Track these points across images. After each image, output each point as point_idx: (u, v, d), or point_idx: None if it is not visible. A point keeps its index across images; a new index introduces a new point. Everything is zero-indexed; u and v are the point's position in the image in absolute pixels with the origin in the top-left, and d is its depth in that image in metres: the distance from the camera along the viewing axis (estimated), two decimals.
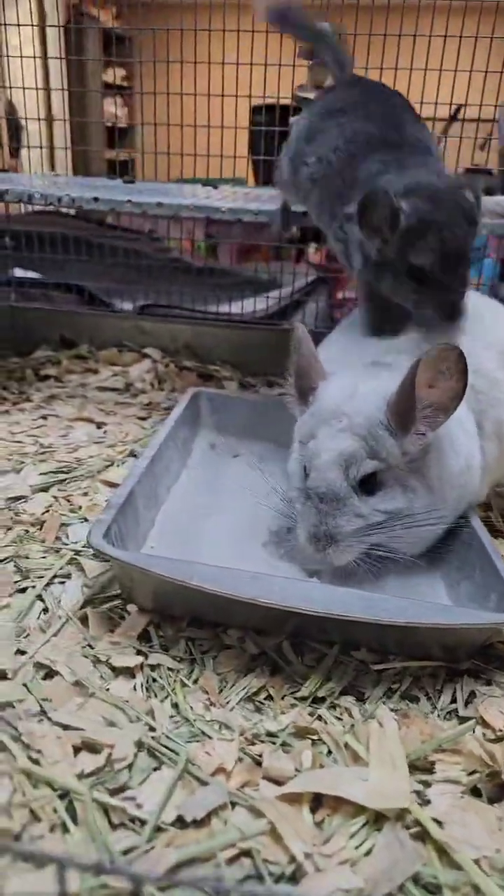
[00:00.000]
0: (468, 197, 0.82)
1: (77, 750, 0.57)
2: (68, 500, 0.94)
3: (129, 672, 0.65)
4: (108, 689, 0.63)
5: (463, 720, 0.63)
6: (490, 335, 0.90)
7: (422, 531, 0.76)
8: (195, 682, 0.65)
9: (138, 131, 1.84)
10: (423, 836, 0.52)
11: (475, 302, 0.90)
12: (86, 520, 0.90)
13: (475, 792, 0.56)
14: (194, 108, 1.53)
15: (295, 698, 0.64)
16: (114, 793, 0.54)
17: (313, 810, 0.54)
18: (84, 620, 0.72)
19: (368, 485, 0.74)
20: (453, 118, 2.24)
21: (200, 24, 1.41)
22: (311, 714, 0.62)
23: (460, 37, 1.34)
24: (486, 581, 0.73)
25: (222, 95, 1.50)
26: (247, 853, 0.50)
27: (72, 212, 2.05)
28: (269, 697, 0.64)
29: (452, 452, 0.78)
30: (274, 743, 0.59)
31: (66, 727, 0.59)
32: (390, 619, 0.63)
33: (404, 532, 0.74)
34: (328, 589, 0.70)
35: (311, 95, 1.11)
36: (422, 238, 0.80)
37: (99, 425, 1.24)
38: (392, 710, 0.63)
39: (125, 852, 0.49)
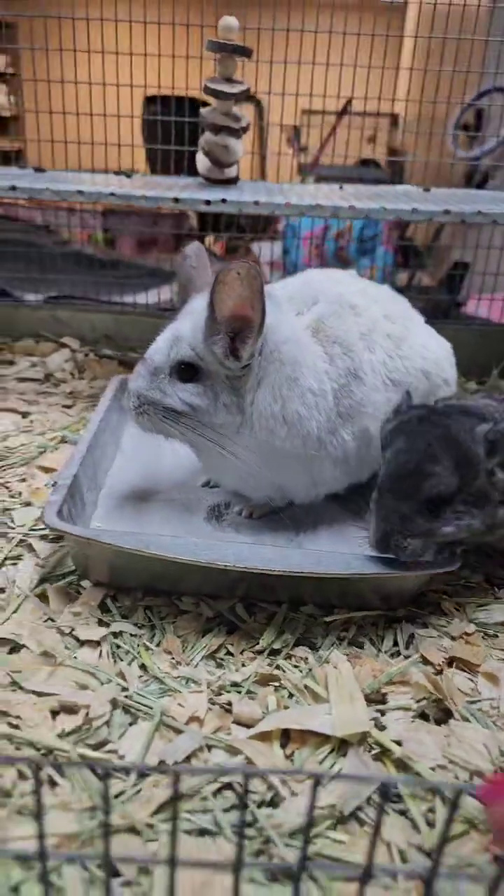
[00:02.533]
0: None
1: (55, 713, 0.59)
2: (6, 487, 0.94)
3: (94, 641, 0.68)
4: (75, 658, 0.65)
5: (406, 658, 0.70)
6: (365, 316, 0.89)
7: (240, 467, 0.82)
8: (158, 644, 0.69)
9: (27, 120, 1.81)
10: (382, 756, 0.58)
11: (362, 289, 0.93)
12: (29, 504, 0.90)
13: (423, 717, 0.63)
14: (89, 96, 1.53)
15: (253, 652, 0.69)
16: (95, 748, 0.57)
17: (283, 745, 0.59)
18: (42, 597, 0.73)
19: (185, 373, 0.80)
20: (343, 112, 2.34)
21: (87, 12, 1.41)
22: (269, 665, 0.67)
23: (344, 33, 1.42)
24: None
25: (116, 85, 1.50)
26: (228, 786, 0.54)
27: None
28: (230, 654, 0.69)
29: (278, 399, 0.79)
30: (240, 692, 0.64)
31: (40, 694, 0.61)
32: (340, 573, 0.69)
33: (193, 436, 0.82)
34: (279, 551, 0.75)
35: (224, 88, 1.15)
36: None
37: (24, 415, 1.23)
38: (343, 654, 0.69)
39: (116, 796, 0.52)
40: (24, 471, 0.99)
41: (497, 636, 0.74)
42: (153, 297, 1.82)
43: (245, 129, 1.21)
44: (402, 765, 0.57)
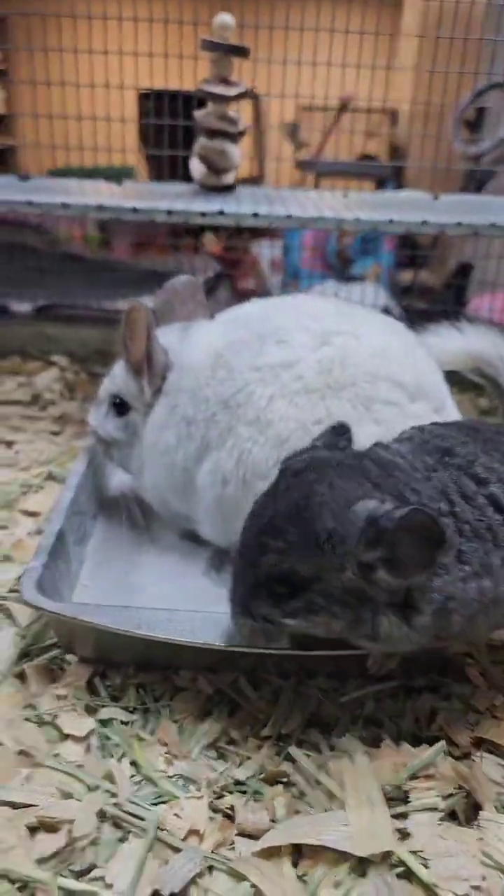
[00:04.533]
0: None
1: (33, 830, 0.52)
2: None
3: (79, 732, 0.60)
4: (57, 755, 0.58)
5: (430, 740, 0.62)
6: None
7: (148, 485, 0.84)
8: (152, 733, 0.61)
9: (18, 118, 1.74)
10: (409, 874, 0.51)
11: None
12: (8, 558, 0.83)
13: (452, 815, 0.56)
14: (79, 96, 1.45)
15: (259, 738, 0.61)
16: (80, 874, 0.49)
17: (294, 862, 0.51)
18: (22, 676, 0.66)
19: (119, 408, 0.85)
20: (343, 109, 2.26)
21: (80, 10, 1.34)
22: (278, 754, 0.60)
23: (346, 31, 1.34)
24: None
25: (107, 87, 1.43)
26: None
27: None
28: (232, 741, 0.61)
29: (155, 430, 0.81)
30: (244, 792, 0.56)
31: (16, 806, 0.53)
32: (355, 651, 0.61)
33: (119, 458, 0.87)
34: None
35: (219, 90, 1.06)
36: None
37: (9, 444, 1.15)
38: (359, 738, 0.62)
39: None
40: (6, 516, 0.92)
41: None
42: (150, 302, 1.73)
43: (242, 134, 1.12)
44: (431, 892, 0.49)
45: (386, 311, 1.71)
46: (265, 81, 1.39)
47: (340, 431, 0.61)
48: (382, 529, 0.49)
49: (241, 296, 1.99)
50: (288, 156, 2.48)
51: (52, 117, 1.46)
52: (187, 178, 1.29)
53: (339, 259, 2.26)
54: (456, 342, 0.86)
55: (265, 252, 2.34)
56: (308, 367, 0.75)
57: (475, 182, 2.05)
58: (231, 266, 2.08)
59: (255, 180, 2.41)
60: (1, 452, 1.12)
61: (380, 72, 1.43)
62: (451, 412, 0.80)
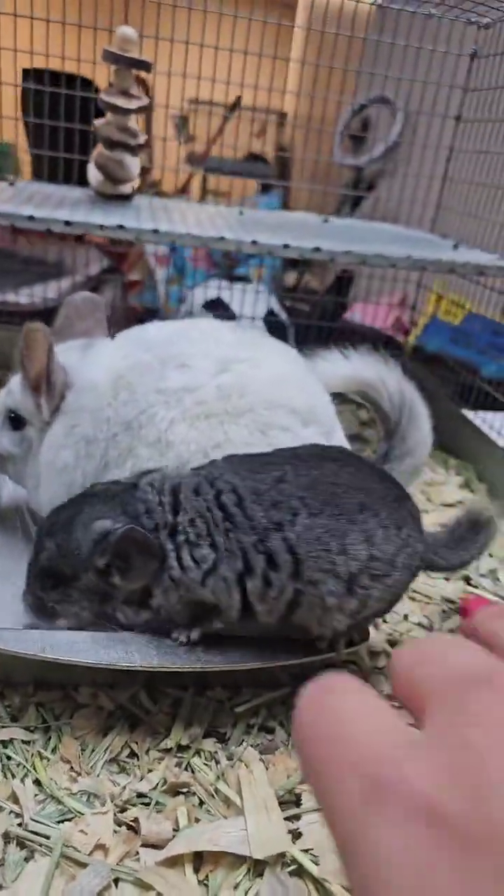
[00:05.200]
0: None
1: None
2: None
3: None
4: None
5: None
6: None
7: (44, 501, 0.83)
8: (53, 751, 0.63)
9: None
10: (301, 871, 0.56)
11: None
12: None
13: None
14: None
15: (160, 751, 0.64)
16: None
17: (196, 869, 0.55)
18: None
19: (14, 422, 0.85)
20: (234, 107, 2.29)
21: None
22: (178, 765, 0.63)
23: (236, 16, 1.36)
24: None
25: None
26: None
27: None
28: (134, 754, 0.64)
29: (52, 448, 0.81)
30: (147, 805, 0.59)
31: None
32: (248, 664, 0.66)
33: (14, 472, 0.87)
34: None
35: (121, 102, 1.06)
36: None
37: None
38: (254, 746, 0.66)
39: None
40: None
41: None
42: (38, 293, 1.67)
43: (143, 146, 1.13)
44: (321, 886, 0.54)
45: (270, 313, 1.76)
46: (154, 62, 1.36)
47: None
48: (109, 542, 0.63)
49: (130, 289, 1.98)
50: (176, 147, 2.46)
51: None
52: (81, 181, 1.26)
53: (225, 258, 2.30)
54: (343, 368, 0.92)
55: (150, 246, 2.33)
56: (208, 393, 0.78)
57: (361, 189, 2.15)
58: (117, 259, 2.06)
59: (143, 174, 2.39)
60: None
61: (271, 67, 1.44)
62: (339, 436, 0.87)
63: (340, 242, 1.11)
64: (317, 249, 1.05)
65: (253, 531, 0.63)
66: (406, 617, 0.86)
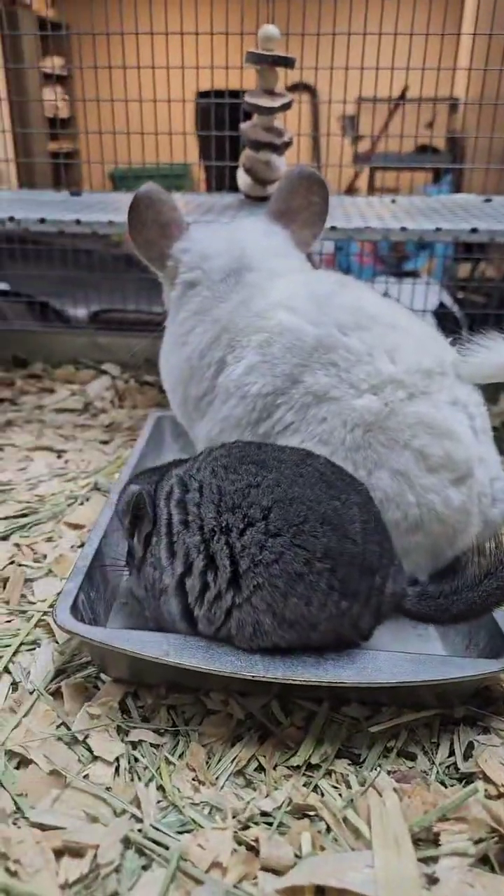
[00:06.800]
0: None
1: (59, 854, 0.53)
2: (32, 549, 0.89)
3: (109, 755, 0.61)
4: (86, 776, 0.59)
5: (464, 776, 0.60)
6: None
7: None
8: (180, 756, 0.61)
9: (80, 121, 1.76)
10: None
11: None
12: (51, 572, 0.85)
13: (483, 860, 0.54)
14: (138, 83, 1.44)
15: (288, 767, 0.61)
16: None
17: None
18: (57, 694, 0.67)
19: None
20: (400, 99, 2.20)
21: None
22: (305, 785, 0.59)
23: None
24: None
25: (167, 67, 1.40)
26: None
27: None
28: (260, 768, 0.61)
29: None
30: (270, 824, 0.56)
31: (44, 828, 0.54)
32: (384, 681, 0.60)
33: None
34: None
35: (264, 102, 1.06)
36: None
37: (59, 454, 1.18)
38: (390, 772, 0.60)
39: None
40: (52, 528, 0.94)
41: None
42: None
43: (288, 144, 1.11)
44: None
45: (441, 306, 1.66)
46: (322, 71, 1.35)
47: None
48: (129, 503, 0.68)
49: None
50: (344, 161, 2.43)
51: (114, 133, 1.46)
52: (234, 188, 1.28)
53: (395, 253, 2.22)
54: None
55: (314, 247, 2.31)
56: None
57: None
58: None
59: None
60: (52, 462, 1.15)
61: (438, 49, 1.37)
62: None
63: (502, 222, 1.01)
64: (474, 230, 0.96)
65: (199, 532, 0.64)
66: None
